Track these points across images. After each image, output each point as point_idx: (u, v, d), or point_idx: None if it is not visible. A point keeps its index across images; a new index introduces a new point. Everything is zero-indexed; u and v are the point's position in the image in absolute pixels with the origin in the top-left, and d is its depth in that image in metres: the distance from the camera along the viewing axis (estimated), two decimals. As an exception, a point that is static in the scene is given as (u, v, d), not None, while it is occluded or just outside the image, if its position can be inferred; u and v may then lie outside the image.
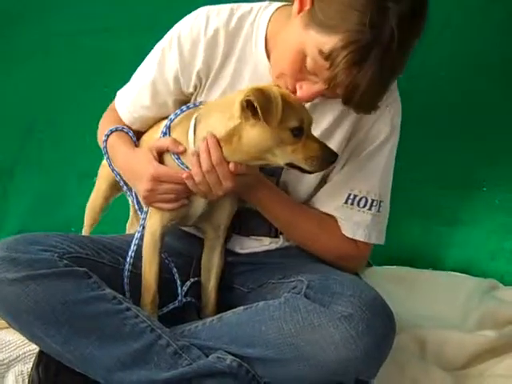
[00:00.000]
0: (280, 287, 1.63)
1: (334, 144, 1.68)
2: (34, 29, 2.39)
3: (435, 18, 1.50)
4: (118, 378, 1.50)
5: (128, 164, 1.72)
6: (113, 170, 1.77)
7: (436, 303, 2.07)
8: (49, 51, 2.40)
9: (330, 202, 1.73)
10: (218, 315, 1.61)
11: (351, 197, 1.72)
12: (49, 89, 2.44)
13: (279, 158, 1.51)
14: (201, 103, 1.65)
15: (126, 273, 1.67)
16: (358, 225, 1.72)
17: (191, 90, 1.75)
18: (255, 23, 1.69)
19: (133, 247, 1.68)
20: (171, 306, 1.72)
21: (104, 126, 1.84)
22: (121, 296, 1.57)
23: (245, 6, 1.72)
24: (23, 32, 2.39)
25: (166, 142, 1.62)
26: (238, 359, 1.50)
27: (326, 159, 1.51)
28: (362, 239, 1.73)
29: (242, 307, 1.58)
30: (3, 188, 2.54)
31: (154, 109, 1.78)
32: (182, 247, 1.83)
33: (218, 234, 1.72)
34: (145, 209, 1.70)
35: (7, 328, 1.67)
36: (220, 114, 1.53)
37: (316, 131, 1.61)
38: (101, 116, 1.91)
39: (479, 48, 2.25)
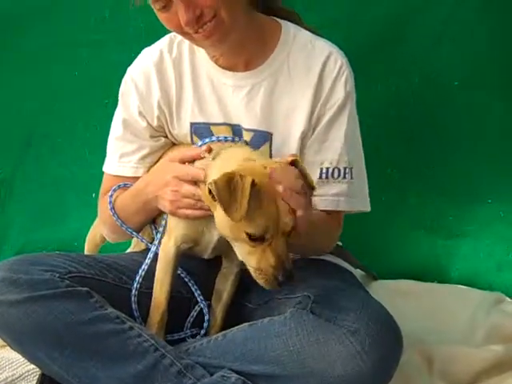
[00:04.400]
0: (286, 303, 1.60)
1: (297, 126, 1.70)
2: (30, 41, 2.38)
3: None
4: None
5: (147, 181, 1.71)
6: (121, 224, 1.74)
7: (442, 317, 2.04)
8: (46, 63, 2.39)
9: None
10: (223, 332, 1.59)
11: (324, 171, 1.71)
12: (47, 101, 2.43)
13: (236, 251, 1.46)
14: (233, 139, 1.64)
15: (134, 291, 1.65)
16: (337, 196, 1.71)
17: (155, 122, 1.78)
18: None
19: (144, 266, 1.67)
20: (176, 336, 1.69)
21: (103, 206, 1.82)
22: (124, 315, 1.55)
23: None
24: (20, 44, 2.39)
25: (190, 152, 1.62)
26: (242, 377, 1.48)
27: (278, 279, 1.38)
28: (347, 209, 1.73)
29: (247, 324, 1.56)
30: (2, 202, 2.52)
31: (144, 143, 1.79)
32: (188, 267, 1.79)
33: (232, 265, 1.70)
34: (160, 229, 1.69)
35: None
36: (218, 168, 1.50)
37: (277, 116, 1.67)
38: (102, 128, 1.91)
39: (482, 56, 2.24)
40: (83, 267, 1.61)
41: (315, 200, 1.68)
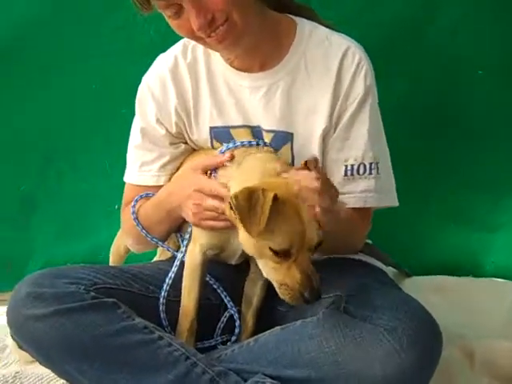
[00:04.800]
0: (318, 303, 1.52)
1: (318, 124, 1.66)
2: (46, 56, 2.36)
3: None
4: None
5: (170, 190, 1.68)
6: (146, 234, 1.72)
7: (480, 311, 1.98)
8: (63, 77, 2.36)
9: None
10: (255, 337, 1.56)
11: (349, 168, 1.68)
12: (65, 115, 2.40)
13: (261, 268, 1.43)
14: (258, 143, 1.61)
15: (162, 300, 1.62)
16: (365, 193, 1.67)
17: (174, 129, 1.75)
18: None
19: (170, 274, 1.64)
20: (207, 344, 1.66)
21: (126, 216, 1.80)
22: (152, 325, 1.52)
23: None
24: (36, 60, 2.36)
25: (213, 160, 1.59)
26: (277, 382, 1.44)
27: (303, 296, 1.34)
28: (375, 205, 1.69)
29: (279, 327, 1.53)
30: (26, 219, 2.50)
31: (164, 150, 1.77)
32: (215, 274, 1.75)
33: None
34: (185, 236, 1.66)
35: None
36: (240, 180, 1.47)
37: (297, 115, 1.65)
38: (121, 139, 1.87)
39: (507, 42, 2.18)
40: (108, 278, 1.58)
41: (342, 198, 1.63)
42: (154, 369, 1.45)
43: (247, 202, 1.32)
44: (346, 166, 1.67)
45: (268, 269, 1.40)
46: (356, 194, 1.67)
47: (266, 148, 1.61)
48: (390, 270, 2.02)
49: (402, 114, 2.19)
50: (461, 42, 2.18)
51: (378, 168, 1.68)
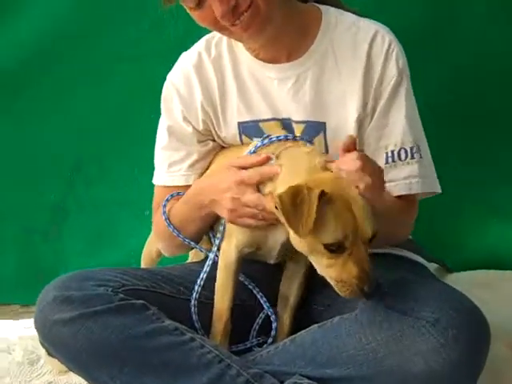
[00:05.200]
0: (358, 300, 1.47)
1: (352, 111, 1.61)
2: (73, 62, 2.35)
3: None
4: None
5: (204, 185, 1.63)
6: (178, 235, 1.66)
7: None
8: (90, 83, 2.35)
9: None
10: (291, 337, 1.49)
11: (389, 154, 1.61)
12: (92, 122, 2.38)
13: (315, 265, 1.37)
14: (294, 137, 1.55)
15: (194, 301, 1.56)
16: (409, 179, 1.61)
17: (201, 126, 1.71)
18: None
19: (202, 274, 1.58)
20: (241, 346, 1.60)
21: (157, 219, 1.75)
22: (183, 327, 1.46)
23: (216, 33, 1.69)
24: (63, 66, 2.35)
25: (251, 159, 1.53)
26: (315, 383, 1.37)
27: (361, 289, 1.29)
28: (419, 191, 1.62)
29: (316, 325, 1.46)
30: (58, 228, 2.48)
31: (192, 149, 1.72)
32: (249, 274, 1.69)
33: (299, 267, 1.60)
34: (218, 235, 1.60)
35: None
36: (285, 177, 1.42)
37: (328, 104, 1.61)
38: (149, 144, 1.82)
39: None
40: (137, 280, 1.53)
41: (387, 187, 1.55)
42: (186, 371, 1.40)
43: (293, 202, 1.28)
44: (387, 153, 1.61)
45: (322, 266, 1.34)
46: (400, 180, 1.60)
47: (301, 142, 1.54)
48: (432, 266, 1.95)
49: (441, 101, 2.13)
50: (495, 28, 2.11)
51: (420, 151, 1.62)
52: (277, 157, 1.48)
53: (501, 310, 1.80)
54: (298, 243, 1.36)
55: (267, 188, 1.47)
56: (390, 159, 1.61)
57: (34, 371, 1.82)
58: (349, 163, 1.32)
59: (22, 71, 2.36)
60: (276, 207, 1.34)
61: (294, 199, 1.28)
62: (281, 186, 1.39)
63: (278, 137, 1.55)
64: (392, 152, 1.61)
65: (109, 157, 2.41)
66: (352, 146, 1.35)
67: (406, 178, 1.60)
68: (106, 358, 1.40)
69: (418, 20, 2.12)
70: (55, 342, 1.43)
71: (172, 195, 1.71)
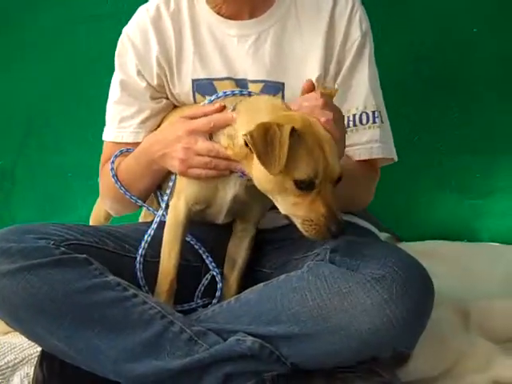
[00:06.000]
0: (304, 261, 1.45)
1: (312, 71, 1.59)
2: (26, 22, 2.30)
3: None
4: (128, 370, 1.35)
5: (153, 140, 1.58)
6: (125, 192, 1.63)
7: (475, 274, 1.91)
8: (43, 47, 2.30)
9: None
10: (236, 296, 1.46)
11: (351, 118, 1.61)
12: (44, 86, 2.34)
13: (279, 205, 1.34)
14: (249, 93, 1.52)
15: (139, 258, 1.53)
16: (370, 143, 1.61)
17: (155, 81, 1.67)
18: None
19: (149, 231, 1.55)
20: (186, 307, 1.57)
21: (104, 176, 1.72)
22: (126, 283, 1.42)
23: None
24: (16, 27, 2.30)
25: (203, 109, 1.49)
26: (259, 340, 1.34)
27: (330, 230, 1.27)
28: (380, 155, 1.62)
29: (261, 284, 1.43)
30: (6, 194, 2.43)
31: (144, 105, 1.68)
32: (196, 235, 1.66)
33: (248, 227, 1.58)
34: (167, 191, 1.56)
35: (13, 332, 1.60)
36: (248, 118, 1.39)
37: (288, 63, 1.58)
38: (105, 108, 1.78)
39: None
40: (81, 235, 1.48)
41: (348, 151, 1.58)
42: (128, 327, 1.36)
43: (264, 138, 1.25)
44: (349, 117, 1.61)
45: (289, 205, 1.31)
46: (361, 145, 1.61)
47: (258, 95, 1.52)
48: (383, 235, 1.96)
49: (393, 77, 2.10)
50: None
51: (381, 116, 1.62)
52: (234, 108, 1.44)
53: (448, 278, 1.81)
54: (265, 183, 1.33)
55: (222, 136, 1.44)
56: (351, 123, 1.61)
57: (-27, 332, 1.78)
58: (311, 100, 1.32)
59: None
60: (246, 145, 1.31)
61: (264, 136, 1.25)
62: (242, 128, 1.37)
63: (232, 91, 1.51)
64: (354, 116, 1.61)
65: (62, 122, 2.36)
66: (312, 87, 1.35)
67: (367, 143, 1.61)
68: (46, 312, 1.35)
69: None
70: None
71: (121, 151, 1.67)
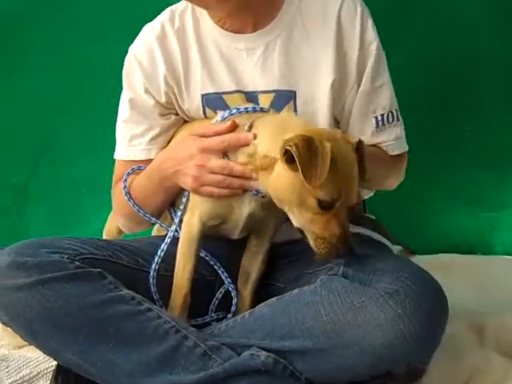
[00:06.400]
0: (317, 275, 1.45)
1: (325, 76, 1.60)
2: (38, 40, 2.33)
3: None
4: None
5: (165, 157, 1.59)
6: (138, 210, 1.63)
7: (488, 288, 1.89)
8: (55, 64, 2.33)
9: (364, 136, 1.61)
10: (250, 310, 1.47)
11: (379, 118, 1.64)
12: (58, 103, 2.37)
13: (294, 218, 1.35)
14: (262, 109, 1.52)
15: (153, 273, 1.54)
16: (397, 139, 1.68)
17: (163, 98, 1.68)
18: (196, 8, 1.66)
19: (163, 246, 1.55)
20: (200, 321, 1.57)
21: (117, 194, 1.72)
22: (140, 297, 1.43)
23: (181, 4, 1.70)
24: (28, 45, 2.33)
25: (215, 127, 1.50)
26: (273, 355, 1.34)
27: (338, 251, 1.31)
28: (406, 149, 1.72)
29: (275, 298, 1.43)
30: (20, 207, 2.46)
31: (154, 122, 1.69)
32: (210, 249, 1.65)
33: (263, 242, 1.58)
34: (180, 207, 1.56)
35: (28, 346, 1.61)
36: (272, 132, 1.39)
37: (299, 71, 1.60)
38: (114, 122, 1.78)
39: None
40: (95, 249, 1.50)
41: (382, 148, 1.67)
42: (142, 341, 1.36)
43: (308, 150, 1.26)
44: (376, 117, 1.64)
45: (305, 220, 1.33)
46: (390, 142, 1.66)
47: (272, 111, 1.52)
48: (396, 248, 1.95)
49: (401, 90, 2.12)
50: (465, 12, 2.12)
51: (398, 114, 1.68)
52: (251, 125, 1.45)
53: (462, 292, 1.80)
54: (286, 194, 1.33)
55: (241, 154, 1.44)
56: (380, 123, 1.64)
57: (-10, 345, 1.79)
58: None
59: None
60: (285, 153, 1.30)
61: (309, 147, 1.26)
62: (264, 145, 1.38)
63: (246, 108, 1.52)
64: (382, 116, 1.64)
65: (73, 137, 2.38)
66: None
67: (395, 139, 1.67)
68: (61, 325, 1.36)
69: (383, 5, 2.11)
70: (8, 308, 1.39)
71: (133, 169, 1.67)
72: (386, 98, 1.65)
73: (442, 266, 1.96)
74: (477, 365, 1.52)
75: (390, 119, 1.65)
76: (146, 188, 1.63)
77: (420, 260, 2.00)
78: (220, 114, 1.55)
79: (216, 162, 1.45)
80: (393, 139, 1.66)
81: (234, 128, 1.47)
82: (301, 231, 1.36)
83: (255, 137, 1.41)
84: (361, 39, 1.60)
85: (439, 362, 1.40)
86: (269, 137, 1.38)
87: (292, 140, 1.28)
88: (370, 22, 1.62)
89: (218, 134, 1.48)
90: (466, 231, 2.19)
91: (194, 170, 1.47)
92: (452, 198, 2.21)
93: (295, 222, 1.35)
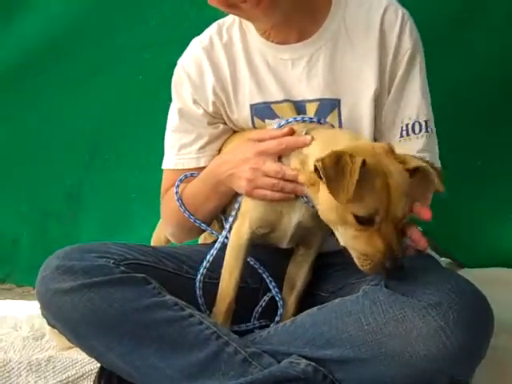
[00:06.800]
0: (359, 286, 1.45)
1: (368, 85, 1.60)
2: (93, 49, 2.37)
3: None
4: None
5: (220, 161, 1.61)
6: (189, 216, 1.64)
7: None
8: (109, 70, 2.36)
9: None
10: (292, 318, 1.47)
11: (404, 128, 1.61)
12: (110, 108, 2.40)
13: (339, 236, 1.35)
14: (319, 121, 1.54)
15: (200, 277, 1.55)
16: (423, 152, 1.60)
17: (211, 108, 1.69)
18: (243, 22, 1.67)
19: (212, 251, 1.57)
20: (243, 327, 1.58)
21: (167, 203, 1.75)
22: (183, 302, 1.45)
23: (228, 18, 1.73)
24: (83, 53, 2.37)
25: (272, 133, 1.52)
26: (313, 363, 1.34)
27: (385, 266, 1.28)
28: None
29: (316, 307, 1.44)
30: (74, 215, 2.50)
31: (202, 131, 1.71)
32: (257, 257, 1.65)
33: (309, 252, 1.59)
34: (232, 213, 1.58)
35: (75, 348, 1.61)
36: (321, 147, 1.40)
37: (343, 80, 1.60)
38: (165, 130, 1.81)
39: None
40: (140, 255, 1.52)
41: None
42: (184, 346, 1.38)
43: (335, 166, 1.26)
44: (402, 127, 1.61)
45: (348, 237, 1.32)
46: (415, 153, 1.59)
47: (327, 124, 1.54)
48: (444, 261, 1.93)
49: (458, 96, 2.10)
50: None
51: (431, 126, 1.63)
52: (307, 133, 1.47)
53: (510, 307, 1.75)
54: (328, 212, 1.34)
55: (294, 159, 1.46)
56: (404, 132, 1.61)
57: (38, 346, 1.85)
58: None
59: (40, 56, 2.39)
60: (316, 170, 1.31)
61: (336, 163, 1.26)
62: (314, 155, 1.38)
63: (302, 117, 1.54)
64: (407, 125, 1.61)
65: (124, 143, 2.42)
66: None
67: (421, 151, 1.60)
68: (105, 329, 1.39)
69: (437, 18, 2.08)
70: (55, 311, 1.43)
71: (186, 176, 1.69)
72: (414, 107, 1.61)
73: (491, 280, 1.92)
74: (523, 379, 1.50)
75: (417, 129, 1.61)
76: (200, 193, 1.64)
77: (469, 273, 1.94)
78: (276, 121, 1.58)
79: (271, 166, 1.47)
80: (418, 151, 1.60)
81: (291, 134, 1.48)
82: (346, 250, 1.34)
83: (312, 139, 1.43)
84: (396, 45, 1.60)
85: (484, 376, 1.38)
86: (319, 150, 1.39)
87: (322, 157, 1.28)
88: (407, 28, 1.60)
89: (274, 139, 1.50)
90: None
91: (248, 173, 1.49)
92: (504, 210, 2.16)
93: (341, 241, 1.35)
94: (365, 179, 1.26)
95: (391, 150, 1.36)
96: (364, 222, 1.28)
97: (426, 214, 1.32)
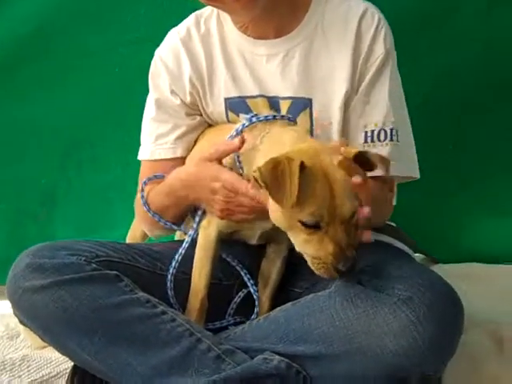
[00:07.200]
0: (333, 282, 1.42)
1: (340, 87, 1.60)
2: (69, 47, 2.34)
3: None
4: None
5: (181, 185, 1.58)
6: (159, 219, 1.64)
7: (510, 298, 1.84)
8: (83, 68, 2.34)
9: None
10: (266, 314, 1.47)
11: (369, 134, 1.60)
12: (85, 108, 2.37)
13: (293, 241, 1.33)
14: (275, 117, 1.53)
15: (170, 276, 1.55)
16: None
17: (189, 98, 1.70)
18: (221, 14, 1.68)
19: (181, 250, 1.56)
20: (218, 325, 1.58)
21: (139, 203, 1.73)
22: (155, 300, 1.44)
23: (206, 10, 1.73)
24: (57, 51, 2.34)
25: (226, 147, 1.50)
26: (286, 359, 1.34)
27: (337, 269, 1.25)
28: (394, 174, 1.57)
29: (290, 303, 1.43)
30: (49, 214, 2.47)
31: (180, 121, 1.71)
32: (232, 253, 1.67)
33: (281, 248, 1.60)
34: (198, 212, 1.58)
35: (49, 346, 1.59)
36: (268, 150, 1.40)
37: (315, 80, 1.60)
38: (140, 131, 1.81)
39: None
40: (113, 252, 1.52)
41: None
42: (156, 344, 1.38)
43: (273, 173, 1.23)
44: (366, 133, 1.60)
45: (299, 242, 1.30)
46: None
47: (283, 121, 1.53)
48: (418, 257, 1.94)
49: (427, 98, 2.09)
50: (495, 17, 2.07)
51: (397, 135, 1.60)
52: (261, 142, 1.46)
53: (483, 301, 1.76)
54: (277, 218, 1.32)
55: (245, 166, 1.46)
56: (369, 139, 1.60)
57: (12, 346, 1.81)
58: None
59: (14, 55, 2.35)
60: (257, 181, 1.29)
61: (273, 170, 1.23)
62: (260, 159, 1.38)
63: (258, 117, 1.53)
64: (372, 132, 1.60)
65: (100, 141, 2.39)
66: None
67: None
68: (76, 327, 1.38)
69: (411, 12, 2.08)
70: (26, 309, 1.42)
71: (149, 178, 1.69)
72: (380, 114, 1.60)
73: (463, 275, 1.94)
74: (495, 373, 1.51)
75: (382, 137, 1.59)
76: (164, 203, 1.63)
77: (442, 269, 1.99)
78: (238, 124, 1.56)
79: (243, 200, 1.44)
80: None
81: (242, 145, 1.47)
82: (301, 254, 1.33)
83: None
84: (369, 49, 1.60)
85: (456, 371, 1.39)
86: (263, 155, 1.39)
87: (259, 166, 1.26)
88: (382, 34, 1.60)
89: (229, 153, 1.49)
90: (491, 240, 2.14)
91: (221, 204, 1.48)
92: (477, 207, 2.17)
93: (295, 246, 1.33)
94: (305, 183, 1.23)
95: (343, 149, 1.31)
96: (311, 226, 1.26)
97: (361, 212, 1.27)
